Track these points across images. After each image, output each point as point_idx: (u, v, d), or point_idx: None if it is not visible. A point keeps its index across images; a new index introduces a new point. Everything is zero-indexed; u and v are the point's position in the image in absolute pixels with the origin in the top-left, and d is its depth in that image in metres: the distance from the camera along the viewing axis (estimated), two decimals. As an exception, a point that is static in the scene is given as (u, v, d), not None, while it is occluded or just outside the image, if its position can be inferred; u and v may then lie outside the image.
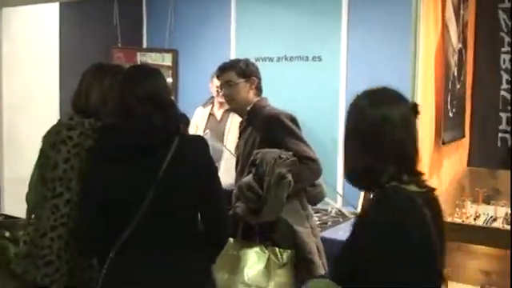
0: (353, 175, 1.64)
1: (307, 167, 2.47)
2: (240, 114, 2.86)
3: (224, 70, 2.76)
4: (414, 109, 1.62)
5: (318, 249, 2.52)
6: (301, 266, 2.42)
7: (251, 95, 2.75)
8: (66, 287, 2.14)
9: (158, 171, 1.84)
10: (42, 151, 2.27)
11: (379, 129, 1.58)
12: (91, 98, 2.23)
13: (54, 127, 2.28)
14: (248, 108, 2.74)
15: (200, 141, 2.05)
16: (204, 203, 1.96)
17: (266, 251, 2.33)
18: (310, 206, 2.63)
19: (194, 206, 1.95)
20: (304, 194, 2.56)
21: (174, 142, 1.89)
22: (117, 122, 1.88)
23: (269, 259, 2.31)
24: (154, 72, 2.03)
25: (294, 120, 2.60)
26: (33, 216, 2.30)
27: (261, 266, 2.29)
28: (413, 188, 1.55)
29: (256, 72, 2.77)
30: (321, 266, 2.46)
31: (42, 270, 2.14)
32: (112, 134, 1.89)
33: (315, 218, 3.36)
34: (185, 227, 1.92)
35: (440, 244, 1.56)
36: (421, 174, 1.60)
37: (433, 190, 1.63)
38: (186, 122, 2.02)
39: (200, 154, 1.98)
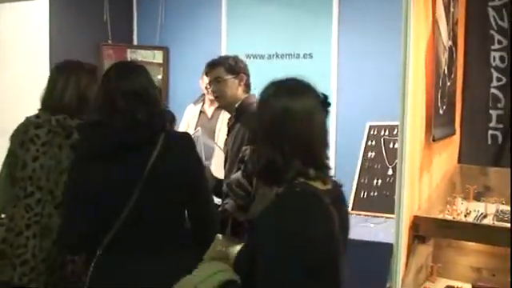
0: (258, 169, 1.54)
1: None
2: (228, 111, 2.86)
3: (213, 66, 2.77)
4: (324, 101, 1.55)
5: None
6: None
7: (240, 92, 2.75)
8: (45, 285, 2.12)
9: (144, 168, 1.82)
10: (10, 150, 2.25)
11: (281, 120, 1.52)
12: (66, 95, 2.22)
13: (21, 125, 2.26)
14: (236, 105, 2.74)
15: (186, 138, 2.05)
16: (191, 201, 1.96)
17: None
18: None
19: (181, 204, 1.94)
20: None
21: (159, 139, 1.89)
22: (101, 119, 1.87)
23: None
24: (138, 68, 2.01)
25: None
26: (3, 216, 2.28)
27: None
28: (318, 185, 1.49)
29: (245, 69, 2.78)
30: None
31: (18, 270, 2.12)
32: (97, 131, 1.88)
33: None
34: (172, 225, 1.91)
35: (343, 242, 1.54)
36: (328, 168, 1.54)
37: (340, 186, 1.59)
38: (172, 118, 2.03)
39: (186, 151, 1.98)
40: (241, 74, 2.76)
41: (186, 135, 2.12)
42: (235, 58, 2.81)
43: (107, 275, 1.84)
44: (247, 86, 2.79)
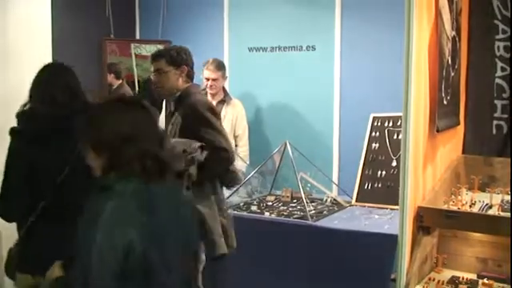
0: None
1: (218, 156, 2.59)
2: (168, 100, 2.95)
3: (155, 58, 2.86)
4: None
5: (224, 230, 2.64)
6: (206, 244, 2.58)
7: (180, 82, 2.84)
8: None
9: (74, 151, 2.07)
10: None
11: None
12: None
13: None
14: (177, 94, 2.82)
15: None
16: None
17: None
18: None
19: None
20: (217, 178, 2.70)
21: None
22: (39, 108, 2.28)
23: None
24: (70, 68, 2.50)
25: (211, 109, 2.69)
26: None
27: None
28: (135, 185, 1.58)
29: (187, 60, 2.85)
30: (222, 245, 2.60)
31: None
32: (36, 118, 2.28)
33: (311, 206, 3.38)
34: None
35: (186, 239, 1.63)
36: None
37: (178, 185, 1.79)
38: None
39: None
40: (182, 66, 2.84)
41: None
42: (178, 50, 2.88)
43: (36, 240, 2.22)
44: (189, 77, 2.87)
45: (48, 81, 2.36)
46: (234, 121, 4.41)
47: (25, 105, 2.37)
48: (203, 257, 2.68)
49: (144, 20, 5.48)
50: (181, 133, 2.68)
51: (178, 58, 2.83)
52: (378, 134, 3.71)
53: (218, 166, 2.63)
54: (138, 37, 5.51)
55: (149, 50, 5.32)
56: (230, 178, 2.72)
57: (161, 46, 5.33)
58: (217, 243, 2.57)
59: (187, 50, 2.92)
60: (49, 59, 4.50)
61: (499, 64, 3.24)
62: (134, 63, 5.26)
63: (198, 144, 2.57)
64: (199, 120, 2.63)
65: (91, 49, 4.99)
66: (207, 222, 2.56)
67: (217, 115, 2.69)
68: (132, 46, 5.28)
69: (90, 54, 4.97)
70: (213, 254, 2.55)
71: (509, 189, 2.70)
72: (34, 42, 4.46)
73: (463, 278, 2.39)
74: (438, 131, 2.57)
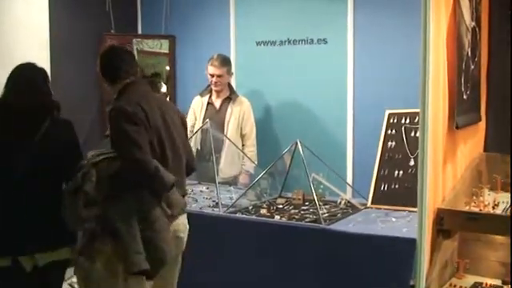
0: None
1: (129, 167, 2.54)
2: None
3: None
4: None
5: (149, 245, 2.56)
6: (123, 261, 2.53)
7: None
8: None
9: (37, 134, 2.61)
10: None
11: None
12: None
13: None
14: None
15: (68, 123, 2.79)
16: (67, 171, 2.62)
17: None
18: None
19: (59, 173, 2.66)
20: (141, 189, 2.60)
21: (46, 122, 2.67)
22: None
23: None
24: (35, 67, 2.77)
25: (128, 115, 2.57)
26: None
27: None
28: None
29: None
30: (139, 262, 2.51)
31: None
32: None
33: (323, 209, 3.36)
34: (52, 188, 2.63)
35: None
36: None
37: None
38: (58, 107, 2.74)
39: (67, 132, 2.77)
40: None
41: (67, 121, 2.80)
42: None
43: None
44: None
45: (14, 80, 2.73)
46: (240, 119, 4.41)
47: None
48: None
49: (146, 14, 5.49)
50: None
51: None
52: (394, 131, 3.69)
53: (132, 177, 2.57)
54: (139, 32, 5.51)
55: (151, 45, 5.33)
56: (156, 187, 2.62)
57: (164, 41, 5.37)
58: (131, 261, 2.51)
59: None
60: (46, 55, 4.53)
61: (523, 56, 3.21)
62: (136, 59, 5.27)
63: (102, 156, 2.58)
64: (113, 127, 2.60)
65: (91, 44, 5.00)
66: (122, 239, 2.53)
67: (135, 122, 2.57)
68: (134, 41, 5.29)
69: (90, 50, 4.98)
70: (129, 270, 2.52)
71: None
72: (32, 38, 4.48)
73: (486, 284, 2.37)
74: (457, 128, 2.55)
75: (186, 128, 3.03)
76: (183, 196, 2.84)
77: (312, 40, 4.73)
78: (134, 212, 2.56)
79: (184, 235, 2.83)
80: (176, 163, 2.77)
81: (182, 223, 2.81)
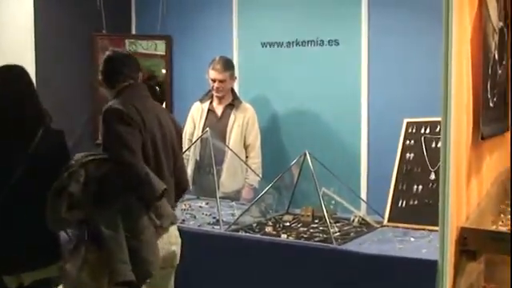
0: None
1: (117, 170, 2.60)
2: None
3: None
4: None
5: (135, 255, 2.61)
6: (108, 269, 2.59)
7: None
8: None
9: (28, 148, 2.71)
10: None
11: None
12: None
13: None
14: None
15: (61, 133, 2.88)
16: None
17: None
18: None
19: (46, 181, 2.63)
20: (130, 195, 2.66)
21: (40, 131, 2.75)
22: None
23: None
24: (22, 71, 2.85)
25: (121, 116, 2.64)
26: None
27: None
28: None
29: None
30: (124, 273, 2.55)
31: None
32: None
33: (335, 228, 3.36)
34: (41, 206, 2.59)
35: None
36: None
37: None
38: (50, 118, 2.85)
39: (58, 144, 2.85)
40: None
41: (60, 131, 2.88)
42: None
43: None
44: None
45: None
46: (243, 128, 4.42)
47: None
48: None
49: (140, 13, 5.53)
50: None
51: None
52: (413, 142, 3.69)
53: (119, 182, 2.61)
54: (133, 32, 5.55)
55: (146, 46, 5.36)
56: (145, 195, 2.67)
57: (160, 42, 5.39)
58: (115, 270, 2.56)
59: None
60: (31, 58, 4.56)
61: (555, 59, 3.21)
62: (129, 62, 5.30)
63: (91, 157, 2.64)
64: (105, 128, 2.67)
65: (80, 46, 5.03)
66: (107, 246, 2.58)
67: (129, 123, 2.65)
68: (127, 42, 5.32)
69: (79, 52, 5.01)
70: (113, 280, 2.56)
71: None
72: (15, 39, 4.51)
73: (515, 312, 2.36)
74: (483, 138, 2.55)
75: (181, 145, 3.09)
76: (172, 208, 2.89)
77: (322, 41, 4.75)
78: (120, 219, 2.61)
79: (177, 248, 2.87)
80: (169, 173, 2.84)
81: (173, 235, 2.86)
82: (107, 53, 3.01)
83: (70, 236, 2.86)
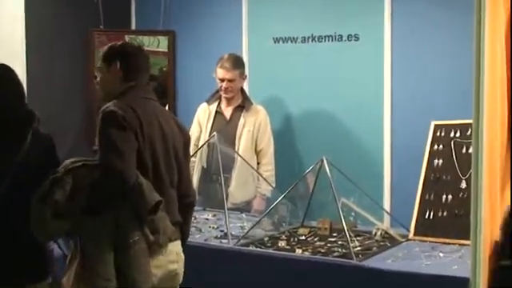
0: None
1: (106, 178, 2.60)
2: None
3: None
4: None
5: (120, 270, 2.62)
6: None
7: (117, 81, 2.87)
8: None
9: (17, 155, 2.70)
10: None
11: None
12: None
13: None
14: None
15: (49, 138, 2.88)
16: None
17: None
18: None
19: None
20: (121, 206, 2.65)
21: (29, 135, 2.74)
22: None
23: None
24: (9, 71, 2.85)
25: (116, 118, 2.64)
26: None
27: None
28: None
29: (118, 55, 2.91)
30: None
31: None
32: None
33: (355, 242, 3.36)
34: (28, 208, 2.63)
35: None
36: None
37: None
38: (39, 120, 2.84)
39: (48, 148, 2.85)
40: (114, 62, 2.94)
41: (49, 136, 2.89)
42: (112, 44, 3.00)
43: None
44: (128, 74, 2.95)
45: None
46: (255, 132, 4.42)
47: None
48: None
49: (141, 6, 5.56)
50: None
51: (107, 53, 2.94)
52: (441, 147, 3.68)
53: (105, 190, 2.61)
54: (133, 27, 5.57)
55: (147, 42, 5.38)
56: (136, 207, 2.67)
57: (162, 38, 5.41)
58: (96, 286, 2.59)
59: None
60: (22, 54, 4.58)
61: None
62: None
63: (81, 162, 2.65)
64: (100, 131, 2.67)
65: (76, 43, 5.06)
66: (90, 261, 2.60)
67: (123, 126, 2.64)
68: (126, 38, 5.34)
69: (75, 49, 5.04)
70: None
71: None
72: (5, 35, 4.54)
73: (556, 335, 2.35)
74: (519, 145, 2.54)
75: (188, 154, 3.06)
76: (175, 224, 2.86)
77: (341, 36, 4.75)
78: (108, 231, 2.61)
79: (178, 267, 2.86)
80: (171, 185, 2.84)
81: (174, 252, 2.83)
82: (122, 44, 3.00)
83: (62, 250, 2.88)
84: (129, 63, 2.87)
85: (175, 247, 2.85)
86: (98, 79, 2.94)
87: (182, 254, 2.88)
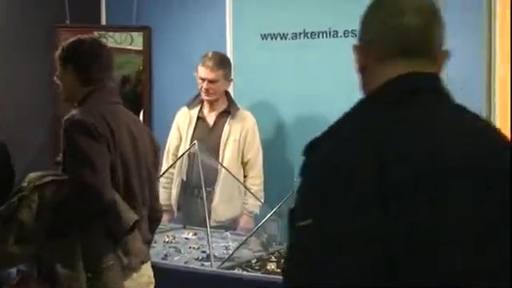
0: None
1: (76, 194, 2.60)
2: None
3: None
4: None
5: None
6: None
7: (76, 85, 2.87)
8: None
9: None
10: None
11: None
12: None
13: None
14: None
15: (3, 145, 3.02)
16: None
17: None
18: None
19: None
20: (93, 226, 2.67)
21: None
22: None
23: None
24: None
25: (86, 128, 2.65)
26: None
27: None
28: None
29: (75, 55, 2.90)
30: None
31: None
32: None
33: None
34: None
35: None
36: None
37: None
38: None
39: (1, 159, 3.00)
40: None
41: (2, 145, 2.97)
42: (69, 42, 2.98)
43: None
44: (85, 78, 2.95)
45: None
46: (241, 141, 4.39)
47: None
48: None
49: (113, 0, 5.54)
50: None
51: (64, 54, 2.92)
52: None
53: (77, 209, 2.62)
54: (103, 22, 5.56)
55: (119, 40, 5.37)
56: (111, 227, 2.68)
57: (136, 35, 5.40)
58: None
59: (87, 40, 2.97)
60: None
61: None
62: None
63: (49, 178, 2.66)
64: (66, 145, 2.67)
65: (40, 40, 5.04)
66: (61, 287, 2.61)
67: (94, 136, 2.65)
68: (95, 34, 5.32)
69: (38, 46, 5.02)
70: None
71: None
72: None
73: None
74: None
75: (157, 167, 3.09)
76: (146, 244, 2.89)
77: (336, 32, 4.75)
78: (79, 254, 2.60)
79: None
80: (142, 201, 2.86)
81: (146, 275, 2.87)
82: (83, 39, 2.96)
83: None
84: (86, 64, 2.85)
85: (147, 269, 2.88)
86: (58, 83, 2.93)
87: (153, 277, 2.92)
